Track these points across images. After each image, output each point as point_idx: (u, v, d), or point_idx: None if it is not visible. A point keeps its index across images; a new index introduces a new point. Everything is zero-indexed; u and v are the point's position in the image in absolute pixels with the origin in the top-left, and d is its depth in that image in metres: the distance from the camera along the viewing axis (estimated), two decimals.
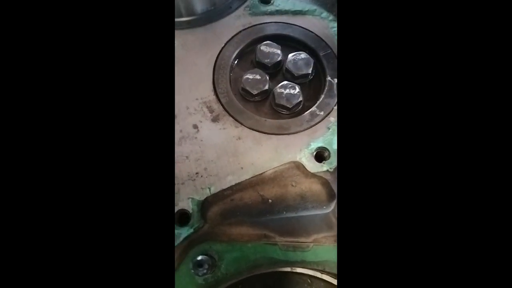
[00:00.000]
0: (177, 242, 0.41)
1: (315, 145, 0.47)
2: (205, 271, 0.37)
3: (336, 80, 0.52)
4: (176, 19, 0.59)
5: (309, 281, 0.44)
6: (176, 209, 0.43)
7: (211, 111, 0.50)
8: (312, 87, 0.53)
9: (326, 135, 0.48)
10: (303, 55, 0.53)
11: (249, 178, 0.45)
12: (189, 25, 0.58)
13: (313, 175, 0.45)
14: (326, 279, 0.44)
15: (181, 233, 0.42)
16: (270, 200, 0.44)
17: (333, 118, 0.49)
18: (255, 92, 0.50)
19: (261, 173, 0.45)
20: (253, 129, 0.48)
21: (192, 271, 0.38)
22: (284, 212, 0.44)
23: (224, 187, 0.45)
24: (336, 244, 0.42)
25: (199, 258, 0.38)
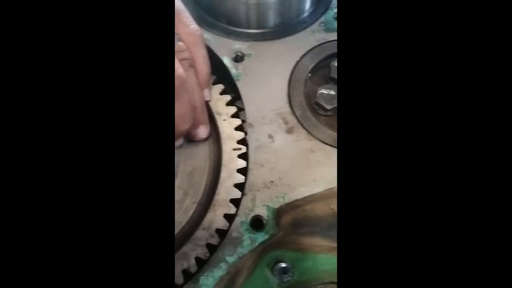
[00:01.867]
0: (252, 246, 0.44)
1: None
2: (289, 278, 0.39)
3: None
4: (250, 30, 0.62)
5: None
6: (252, 214, 0.46)
7: (286, 123, 0.52)
8: None
9: None
10: None
11: (321, 191, 0.47)
12: (264, 37, 0.60)
13: None
14: None
15: (257, 237, 0.44)
16: None
17: None
18: (329, 107, 0.52)
19: (333, 187, 0.47)
20: (326, 143, 0.50)
21: (276, 276, 0.40)
22: None
23: (297, 197, 0.47)
24: None
25: (284, 265, 0.40)
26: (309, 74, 0.57)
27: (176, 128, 0.46)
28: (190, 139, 0.52)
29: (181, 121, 0.45)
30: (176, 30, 0.47)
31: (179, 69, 0.41)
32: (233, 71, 0.57)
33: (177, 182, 0.50)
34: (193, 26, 0.50)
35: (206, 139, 0.53)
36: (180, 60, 0.45)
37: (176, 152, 0.52)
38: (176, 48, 0.45)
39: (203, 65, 0.51)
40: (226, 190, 0.48)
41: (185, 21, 0.49)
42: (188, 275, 0.44)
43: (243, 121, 0.54)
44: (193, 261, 0.44)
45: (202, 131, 0.52)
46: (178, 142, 0.51)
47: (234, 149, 0.51)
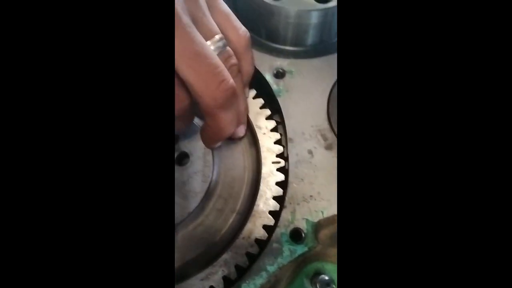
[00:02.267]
0: (292, 257, 0.45)
1: None
2: None
3: None
4: (290, 48, 0.64)
5: None
6: (292, 226, 0.47)
7: (325, 139, 0.54)
8: None
9: None
10: None
11: None
12: (305, 55, 0.62)
13: None
14: None
15: (296, 249, 0.46)
16: None
17: None
18: None
19: None
20: None
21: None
22: None
23: (336, 212, 0.48)
24: None
25: (327, 277, 0.42)
26: None
27: (221, 134, 0.47)
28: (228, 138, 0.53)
29: (228, 128, 0.47)
30: (226, 35, 0.47)
31: (230, 79, 0.42)
32: (274, 87, 0.59)
33: (218, 190, 0.53)
34: (243, 29, 0.50)
35: (242, 137, 0.55)
36: (230, 67, 0.45)
37: (216, 160, 0.54)
38: (225, 54, 0.45)
39: (249, 66, 0.52)
40: (265, 202, 0.50)
41: (235, 24, 0.49)
42: (228, 282, 0.45)
43: (281, 134, 0.56)
44: (233, 269, 0.46)
45: (241, 130, 0.54)
46: (218, 144, 0.53)
47: (273, 163, 0.53)
